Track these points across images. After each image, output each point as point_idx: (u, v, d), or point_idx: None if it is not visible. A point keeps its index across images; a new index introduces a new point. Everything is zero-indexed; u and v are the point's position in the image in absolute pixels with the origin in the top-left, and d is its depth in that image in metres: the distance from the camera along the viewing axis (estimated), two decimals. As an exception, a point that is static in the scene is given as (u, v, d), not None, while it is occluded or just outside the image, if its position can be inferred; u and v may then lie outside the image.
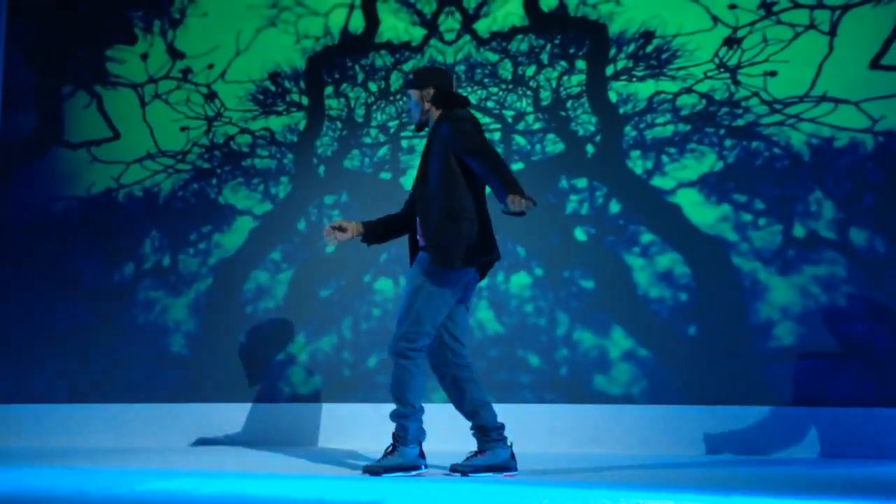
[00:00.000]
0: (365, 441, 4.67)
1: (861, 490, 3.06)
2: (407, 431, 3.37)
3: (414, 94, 3.49)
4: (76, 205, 5.40)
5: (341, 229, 3.58)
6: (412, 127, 4.98)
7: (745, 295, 4.38)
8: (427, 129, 3.55)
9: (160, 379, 5.07)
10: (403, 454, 3.36)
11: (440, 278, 3.32)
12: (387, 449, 3.39)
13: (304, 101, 5.18)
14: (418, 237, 3.47)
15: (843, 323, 4.23)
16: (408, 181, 4.95)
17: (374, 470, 3.33)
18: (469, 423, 3.42)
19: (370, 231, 3.63)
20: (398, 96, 5.04)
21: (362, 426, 4.72)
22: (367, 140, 5.07)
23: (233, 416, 4.86)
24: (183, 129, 5.32)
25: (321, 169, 5.12)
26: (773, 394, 4.25)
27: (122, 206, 5.34)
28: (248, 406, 4.88)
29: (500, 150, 4.32)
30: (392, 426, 3.41)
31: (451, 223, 3.32)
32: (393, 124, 5.03)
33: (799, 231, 4.36)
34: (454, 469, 3.35)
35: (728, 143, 4.51)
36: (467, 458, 3.37)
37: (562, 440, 4.32)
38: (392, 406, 3.39)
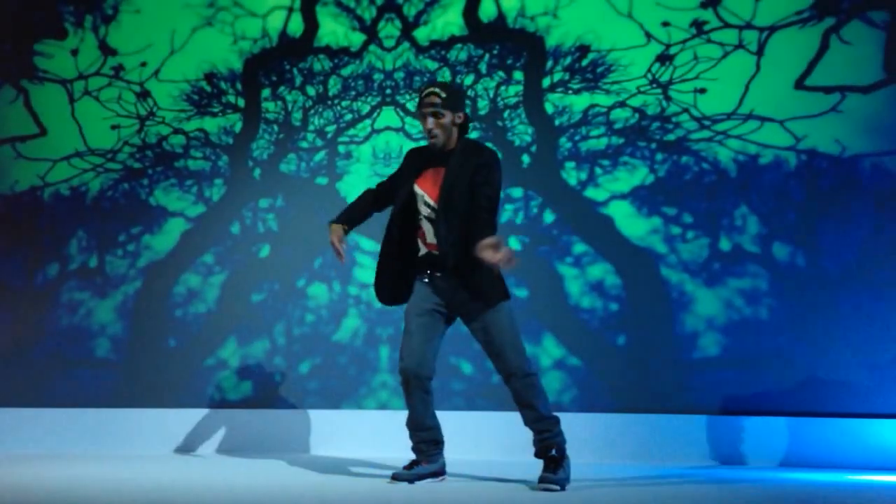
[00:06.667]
0: (294, 447, 4.64)
1: (782, 500, 3.15)
2: (563, 437, 3.33)
3: (448, 116, 3.33)
4: (-1, 202, 5.23)
5: (339, 243, 3.44)
6: (350, 132, 5.00)
7: (672, 306, 4.49)
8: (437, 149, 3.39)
9: (85, 383, 4.93)
10: (569, 464, 3.31)
11: (507, 307, 3.34)
12: (553, 463, 3.26)
13: (241, 102, 5.12)
14: (436, 250, 3.35)
15: (765, 334, 4.37)
16: (344, 186, 4.94)
17: (561, 483, 3.20)
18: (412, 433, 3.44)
19: (351, 225, 3.55)
20: (336, 101, 5.02)
21: (292, 432, 4.68)
22: (304, 144, 5.03)
23: (160, 422, 4.76)
24: (114, 127, 5.20)
25: (256, 172, 5.06)
26: (699, 402, 4.37)
27: (48, 204, 5.19)
28: (176, 412, 4.79)
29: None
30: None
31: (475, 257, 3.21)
32: (330, 129, 5.01)
33: (725, 245, 4.49)
34: (397, 478, 3.35)
35: (659, 156, 4.62)
36: (411, 467, 3.38)
37: (493, 447, 4.35)
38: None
